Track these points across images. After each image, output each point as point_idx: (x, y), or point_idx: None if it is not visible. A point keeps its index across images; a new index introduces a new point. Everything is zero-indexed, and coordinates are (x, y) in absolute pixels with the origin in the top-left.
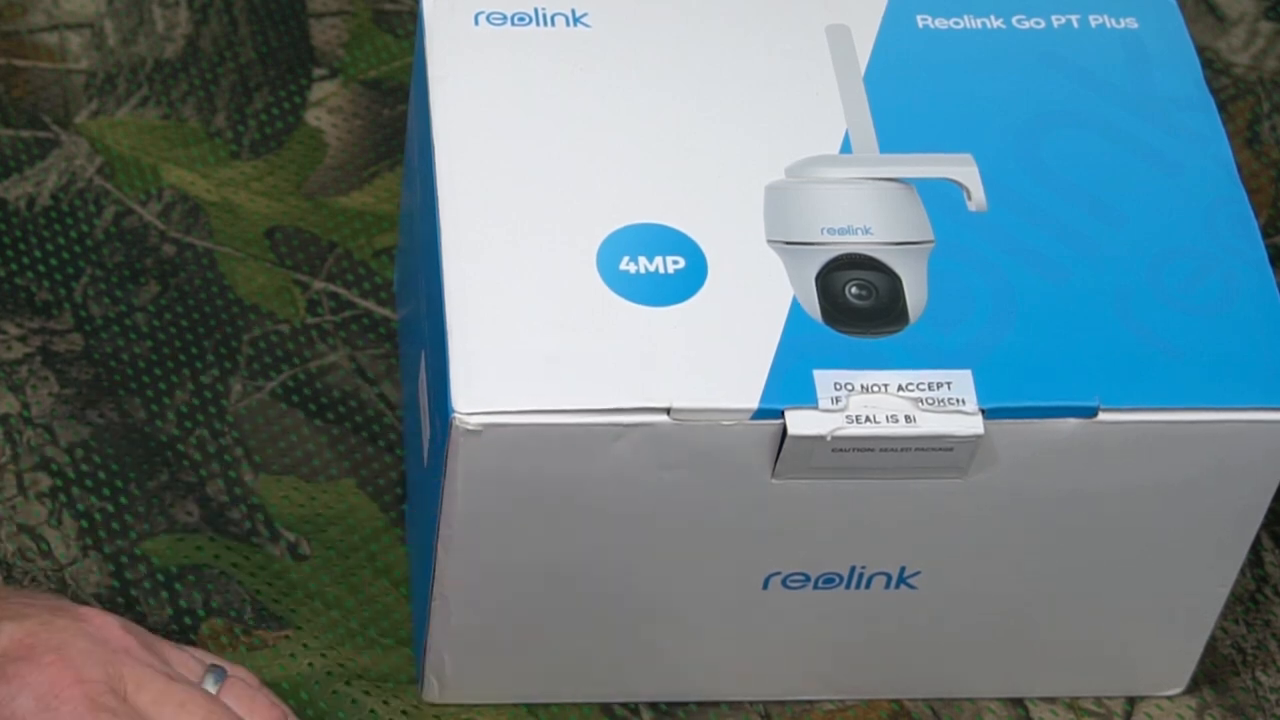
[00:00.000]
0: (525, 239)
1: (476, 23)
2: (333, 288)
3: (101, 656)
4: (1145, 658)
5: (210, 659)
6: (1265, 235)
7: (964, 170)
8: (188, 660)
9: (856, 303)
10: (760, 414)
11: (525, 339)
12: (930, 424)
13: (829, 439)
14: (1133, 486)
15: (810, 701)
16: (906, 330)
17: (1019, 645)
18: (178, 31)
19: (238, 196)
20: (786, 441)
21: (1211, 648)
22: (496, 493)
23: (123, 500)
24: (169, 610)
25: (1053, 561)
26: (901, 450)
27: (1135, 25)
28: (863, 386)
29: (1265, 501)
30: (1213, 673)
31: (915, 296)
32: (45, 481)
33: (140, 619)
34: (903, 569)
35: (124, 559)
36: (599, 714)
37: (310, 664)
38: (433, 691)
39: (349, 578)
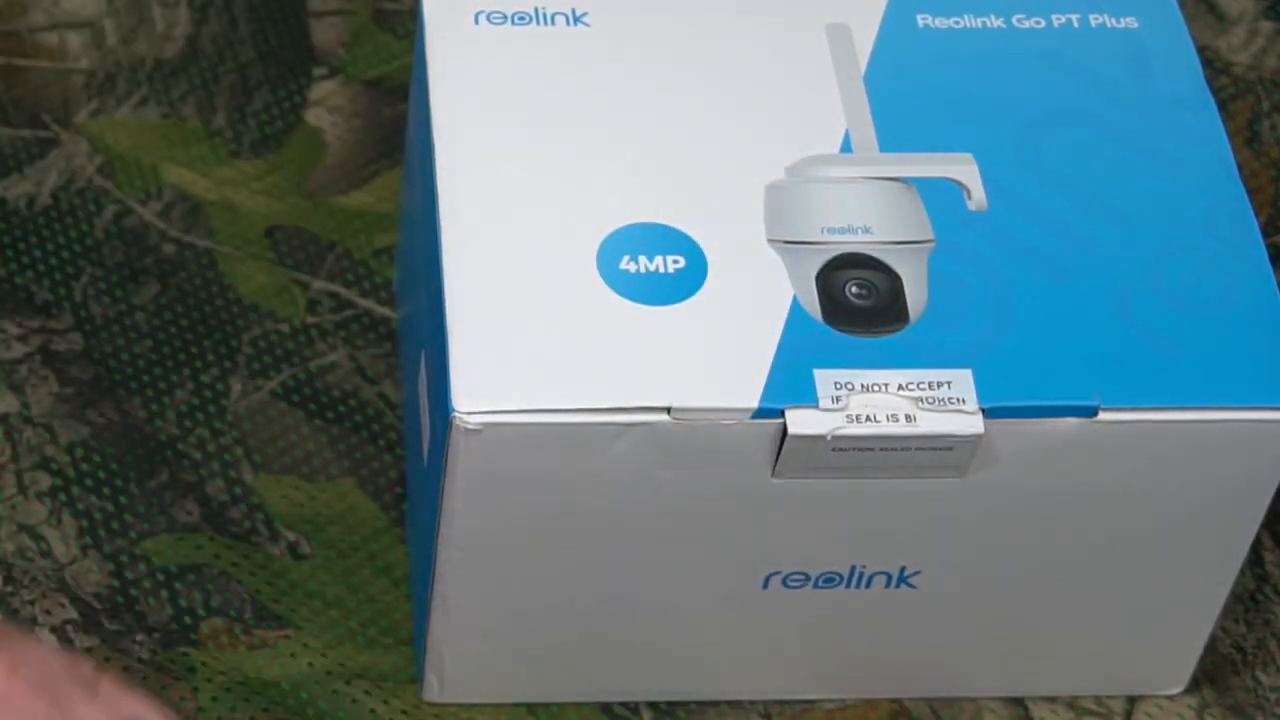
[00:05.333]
0: (525, 238)
1: (476, 22)
2: (333, 287)
3: None
4: (1145, 657)
5: (129, 708)
6: (1265, 235)
7: (964, 169)
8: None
9: (857, 302)
10: (760, 413)
11: (525, 338)
12: (930, 423)
13: (829, 438)
14: (1133, 486)
15: (810, 701)
16: (906, 329)
17: (1019, 644)
18: (178, 31)
19: (238, 196)
20: (787, 441)
21: (1211, 647)
22: (496, 492)
23: (122, 500)
24: (169, 609)
25: (1053, 561)
26: (902, 450)
27: (1135, 24)
28: (863, 386)
29: (1265, 501)
30: (1213, 672)
31: (915, 296)
32: (45, 481)
33: (140, 618)
34: (903, 568)
35: (124, 558)
36: (599, 713)
37: (310, 663)
38: (433, 691)
39: (349, 577)
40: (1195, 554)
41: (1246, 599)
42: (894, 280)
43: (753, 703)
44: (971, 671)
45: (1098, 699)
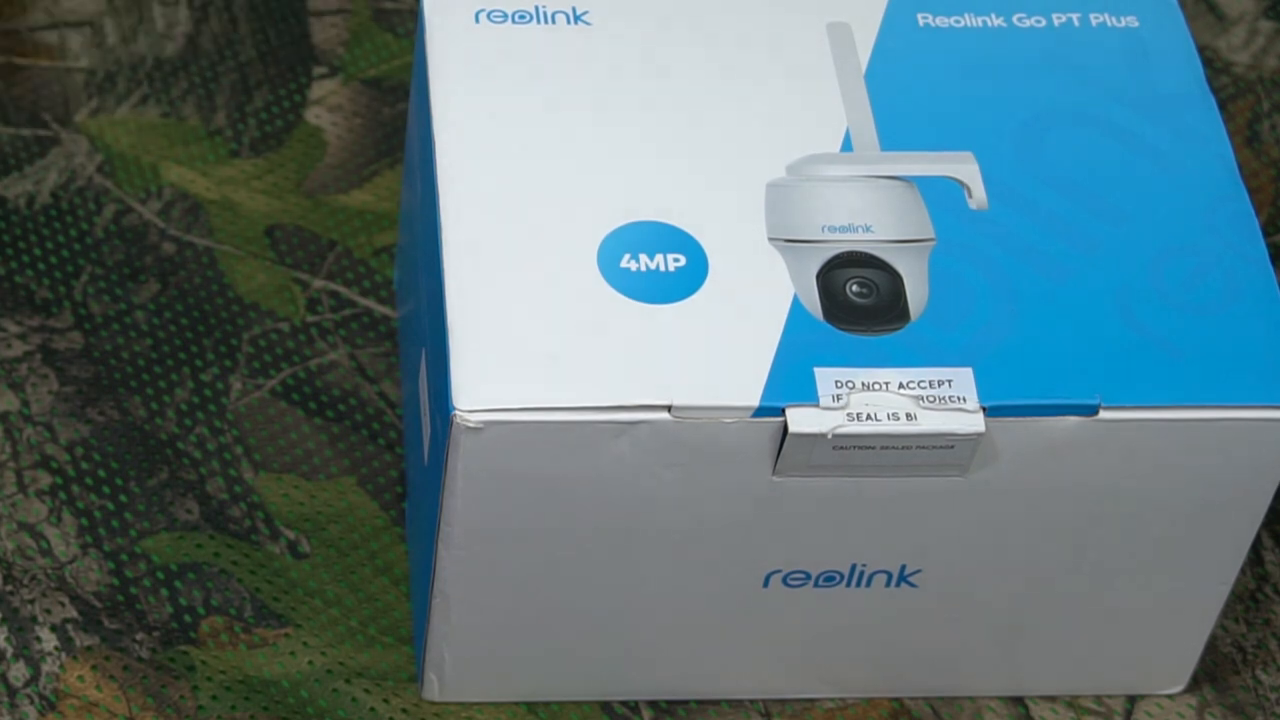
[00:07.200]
0: (526, 236)
1: (477, 20)
2: (333, 286)
3: None
4: (1145, 656)
5: None
6: (1266, 234)
7: (965, 168)
8: None
9: (857, 300)
10: (761, 412)
11: (526, 336)
12: (931, 422)
13: (830, 437)
14: (1133, 484)
15: (810, 700)
16: (907, 328)
17: (1019, 644)
18: (178, 30)
19: (238, 195)
20: (787, 439)
21: (1212, 646)
22: (497, 490)
23: (122, 498)
24: (169, 608)
25: (1053, 559)
26: (902, 448)
27: (1136, 24)
28: (864, 384)
29: (1265, 500)
30: (1213, 671)
31: (916, 294)
32: (45, 479)
33: (140, 617)
34: (903, 567)
35: (124, 557)
36: (599, 712)
37: (310, 662)
38: (432, 690)
39: (349, 576)
40: (1195, 554)
41: (1246, 599)
42: (895, 279)
43: (753, 702)
44: (972, 670)
45: (1098, 698)
